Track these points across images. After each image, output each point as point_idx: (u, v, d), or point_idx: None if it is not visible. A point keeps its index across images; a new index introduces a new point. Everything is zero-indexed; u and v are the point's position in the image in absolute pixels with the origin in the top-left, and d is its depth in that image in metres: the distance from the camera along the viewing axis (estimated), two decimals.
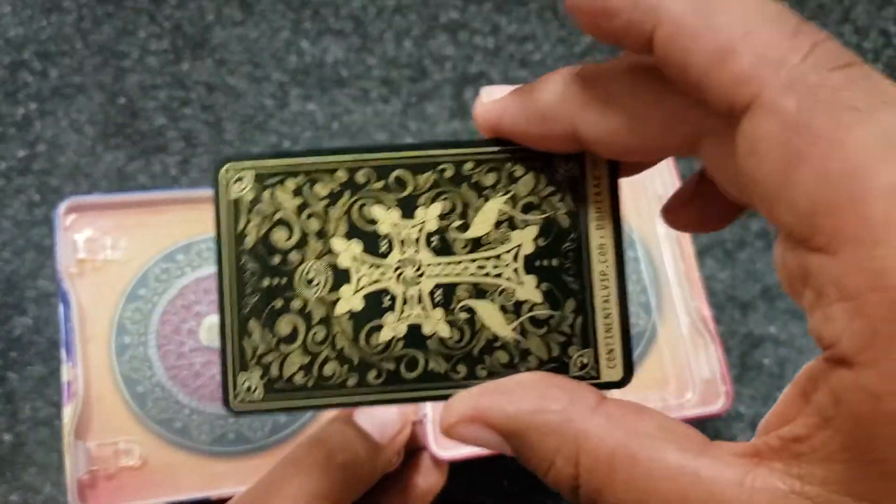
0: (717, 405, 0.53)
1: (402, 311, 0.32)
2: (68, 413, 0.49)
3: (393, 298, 0.32)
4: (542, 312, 0.32)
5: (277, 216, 0.32)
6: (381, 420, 0.48)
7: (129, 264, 0.52)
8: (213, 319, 0.52)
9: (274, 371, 0.32)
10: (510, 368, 0.32)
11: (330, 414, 0.51)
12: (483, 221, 0.32)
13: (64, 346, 0.50)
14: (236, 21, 0.67)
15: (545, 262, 0.33)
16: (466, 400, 0.30)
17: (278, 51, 0.67)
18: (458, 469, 0.52)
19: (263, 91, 0.66)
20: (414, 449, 0.52)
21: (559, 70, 0.31)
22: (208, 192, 0.54)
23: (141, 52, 0.66)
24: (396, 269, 0.32)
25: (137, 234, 0.53)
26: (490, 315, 0.32)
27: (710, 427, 0.61)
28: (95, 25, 0.67)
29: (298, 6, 0.68)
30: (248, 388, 0.32)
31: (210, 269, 0.53)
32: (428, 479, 0.51)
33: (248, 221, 0.32)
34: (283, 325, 0.32)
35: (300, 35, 0.68)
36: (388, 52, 0.68)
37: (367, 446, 0.46)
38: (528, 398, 0.29)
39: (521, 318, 0.32)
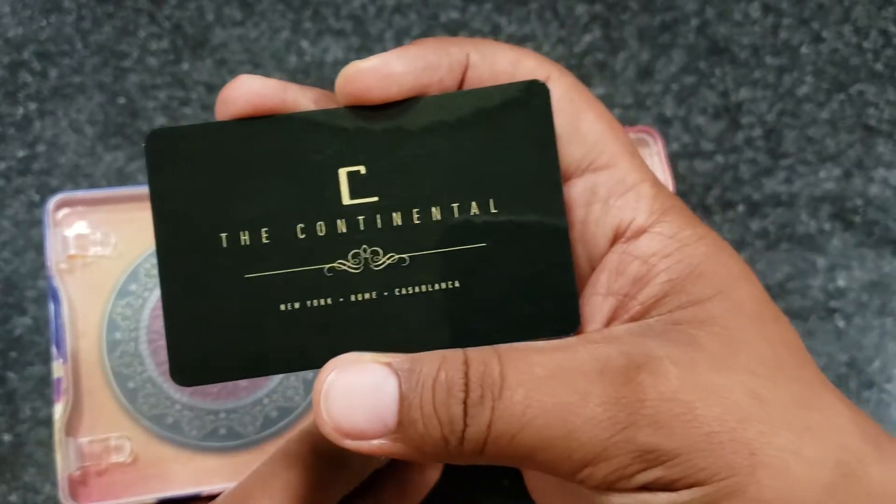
0: None
1: None
2: (59, 410, 0.49)
3: None
4: None
5: None
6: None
7: (120, 260, 0.52)
8: None
9: None
10: None
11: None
12: None
13: (54, 343, 0.50)
14: (236, 21, 0.67)
15: None
16: None
17: (278, 51, 0.67)
18: (457, 468, 0.52)
19: None
20: None
21: None
22: None
23: (141, 52, 0.66)
24: None
25: (128, 230, 0.53)
26: None
27: None
28: (95, 25, 0.67)
29: (298, 6, 0.68)
30: None
31: None
32: (423, 474, 0.51)
33: None
34: None
35: (300, 35, 0.68)
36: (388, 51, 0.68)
37: None
38: None
39: None
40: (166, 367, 0.51)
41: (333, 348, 0.32)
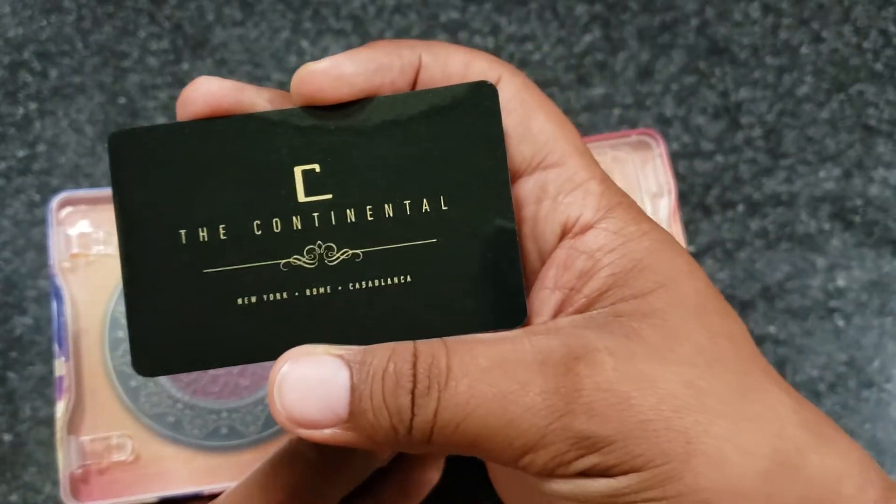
0: None
1: None
2: (61, 408, 0.49)
3: None
4: None
5: None
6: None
7: None
8: None
9: None
10: None
11: None
12: None
13: (56, 342, 0.50)
14: (236, 21, 0.67)
15: None
16: None
17: (278, 51, 0.67)
18: (457, 468, 0.52)
19: None
20: None
21: None
22: None
23: (141, 52, 0.66)
24: None
25: None
26: None
27: None
28: (95, 25, 0.67)
29: (299, 6, 0.68)
30: None
31: None
32: (423, 474, 0.51)
33: None
34: None
35: (300, 35, 0.68)
36: None
37: None
38: None
39: None
40: None
41: (289, 341, 0.34)
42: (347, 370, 0.32)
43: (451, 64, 0.37)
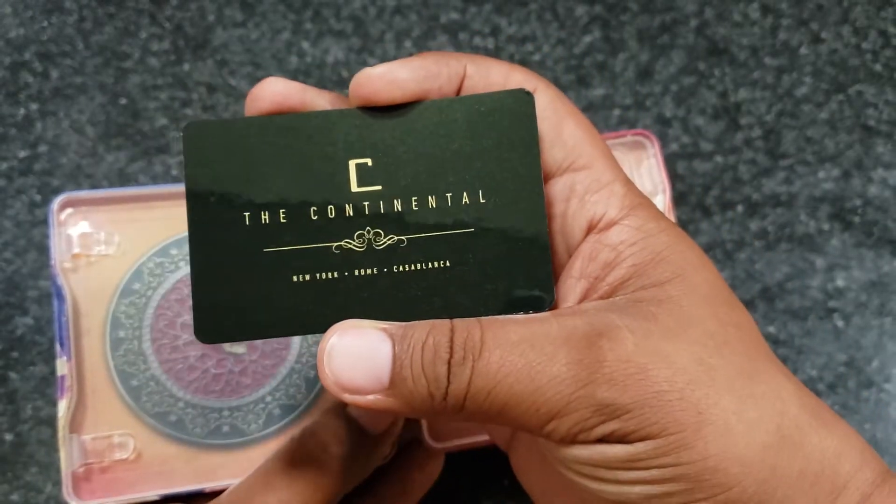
0: None
1: None
2: (63, 407, 0.50)
3: None
4: None
5: None
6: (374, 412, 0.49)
7: (123, 259, 0.53)
8: None
9: None
10: None
11: (324, 405, 0.52)
12: None
13: (58, 341, 0.50)
14: (237, 22, 0.68)
15: None
16: None
17: (279, 52, 0.67)
18: (457, 467, 0.52)
19: None
20: (408, 440, 0.52)
21: None
22: None
23: (142, 53, 0.66)
24: None
25: (131, 229, 0.53)
26: None
27: None
28: (97, 26, 0.67)
29: (299, 7, 0.68)
30: None
31: None
32: (423, 470, 0.52)
33: None
34: None
35: (301, 36, 0.68)
36: (388, 52, 0.68)
37: (360, 438, 0.47)
38: None
39: None
40: (170, 365, 0.51)
41: (337, 315, 0.37)
42: (390, 342, 0.35)
43: (492, 75, 0.40)
